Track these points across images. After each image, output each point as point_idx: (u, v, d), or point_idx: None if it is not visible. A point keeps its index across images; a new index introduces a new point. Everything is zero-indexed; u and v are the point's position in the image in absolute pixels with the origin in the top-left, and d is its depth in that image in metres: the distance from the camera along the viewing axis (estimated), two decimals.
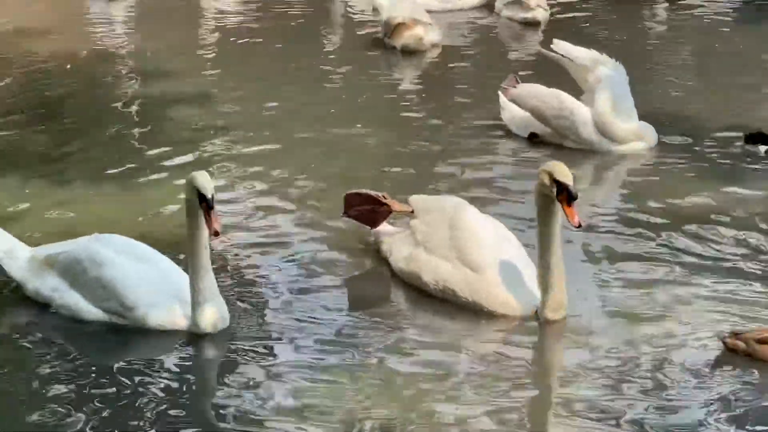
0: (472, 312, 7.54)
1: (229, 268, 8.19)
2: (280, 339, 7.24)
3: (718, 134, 11.17)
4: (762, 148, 10.51)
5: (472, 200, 8.42)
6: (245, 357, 7.01)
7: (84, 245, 7.55)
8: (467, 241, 7.66)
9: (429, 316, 7.68)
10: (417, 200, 8.22)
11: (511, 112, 11.14)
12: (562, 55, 10.78)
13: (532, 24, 16.60)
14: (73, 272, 7.43)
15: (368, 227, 8.38)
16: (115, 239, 7.62)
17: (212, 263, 7.25)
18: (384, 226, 8.32)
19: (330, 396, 6.54)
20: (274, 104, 12.30)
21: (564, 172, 7.06)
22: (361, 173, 10.10)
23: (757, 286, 7.84)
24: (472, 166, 10.41)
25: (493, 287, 7.45)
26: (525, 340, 7.29)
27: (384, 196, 8.28)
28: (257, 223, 9.09)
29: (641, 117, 10.82)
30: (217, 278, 7.29)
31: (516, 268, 7.50)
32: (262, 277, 8.13)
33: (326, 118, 11.85)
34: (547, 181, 7.10)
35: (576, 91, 10.91)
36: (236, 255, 8.42)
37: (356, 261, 8.38)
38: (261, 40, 15.59)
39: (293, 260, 8.36)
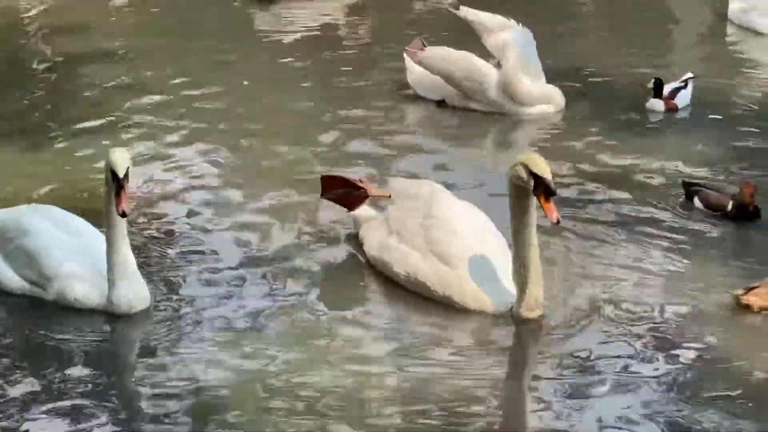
0: (445, 307, 7.02)
1: (156, 244, 7.66)
2: (203, 323, 6.77)
3: (624, 93, 11.01)
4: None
5: (387, 165, 8.18)
6: (163, 340, 6.56)
7: (15, 214, 7.21)
8: (441, 232, 7.11)
9: (399, 309, 7.16)
10: (395, 184, 7.65)
11: (417, 75, 10.73)
12: (468, 18, 10.53)
13: None
14: (1, 239, 7.08)
15: (346, 210, 7.80)
16: (51, 211, 7.27)
17: (141, 239, 6.93)
18: (363, 210, 7.70)
19: (260, 385, 6.13)
20: (193, 60, 11.75)
21: (542, 166, 6.53)
22: (283, 138, 9.69)
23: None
24: (385, 133, 10.01)
25: (466, 282, 6.93)
26: (498, 339, 6.82)
27: (360, 180, 7.72)
28: (188, 194, 8.55)
29: (550, 79, 10.60)
30: (143, 255, 6.90)
31: (492, 263, 6.98)
32: (196, 253, 7.60)
33: (243, 71, 11.47)
34: (523, 174, 6.55)
35: (484, 54, 10.62)
36: (164, 230, 7.87)
37: (320, 243, 7.84)
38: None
39: (233, 236, 7.86)
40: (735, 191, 8.15)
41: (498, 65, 10.39)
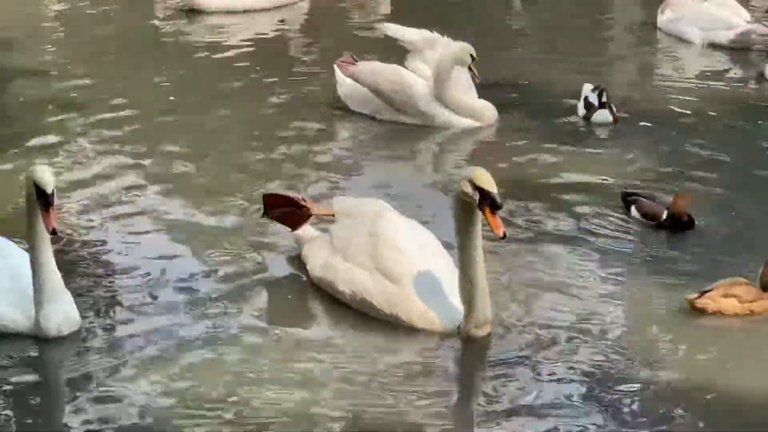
0: (392, 326, 6.81)
1: (85, 265, 7.36)
2: (137, 345, 6.49)
3: (558, 105, 10.97)
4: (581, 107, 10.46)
5: (323, 183, 7.99)
6: (94, 364, 6.27)
7: None
8: (386, 250, 6.90)
9: (345, 329, 6.92)
10: (339, 203, 7.43)
11: (348, 89, 10.62)
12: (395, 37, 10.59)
13: None
14: None
15: (289, 229, 7.56)
16: None
17: (68, 259, 6.67)
18: (306, 229, 7.46)
19: (200, 405, 5.89)
20: (119, 74, 11.51)
21: (487, 180, 6.39)
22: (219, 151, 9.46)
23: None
24: (321, 149, 9.84)
25: (413, 300, 6.74)
26: (446, 358, 6.63)
27: (303, 199, 7.48)
28: (118, 213, 8.27)
29: (483, 91, 10.55)
30: (72, 276, 6.64)
31: (438, 280, 6.80)
32: (128, 275, 7.32)
33: (176, 90, 11.17)
34: (468, 189, 6.39)
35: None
36: (95, 247, 7.59)
37: (263, 263, 7.58)
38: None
39: (169, 258, 7.57)
40: (670, 201, 8.14)
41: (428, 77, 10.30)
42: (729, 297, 6.92)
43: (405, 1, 15.96)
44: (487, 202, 6.35)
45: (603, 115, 10.24)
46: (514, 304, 7.02)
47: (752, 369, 6.44)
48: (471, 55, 10.05)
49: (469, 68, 10.13)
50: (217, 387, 6.10)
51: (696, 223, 8.09)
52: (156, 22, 14.27)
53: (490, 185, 6.36)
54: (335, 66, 10.69)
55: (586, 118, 10.31)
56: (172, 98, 11.05)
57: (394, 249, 6.87)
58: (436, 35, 10.52)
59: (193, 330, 6.68)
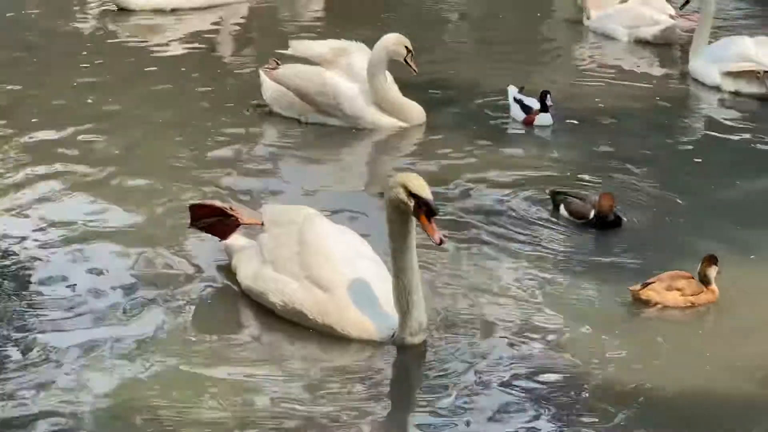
0: (325, 336, 6.61)
1: (8, 273, 7.12)
2: (67, 360, 6.24)
3: (487, 104, 10.90)
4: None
5: (251, 190, 7.81)
6: (25, 378, 6.04)
7: None
8: (317, 258, 6.70)
9: (277, 340, 6.72)
10: (268, 211, 7.19)
11: (273, 92, 10.42)
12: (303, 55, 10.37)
13: None
14: None
15: (218, 239, 7.32)
16: None
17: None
18: (235, 238, 7.23)
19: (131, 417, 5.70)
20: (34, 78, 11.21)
21: (422, 186, 6.24)
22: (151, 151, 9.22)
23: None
24: (249, 155, 9.59)
25: (346, 309, 6.54)
26: (381, 367, 6.44)
27: (231, 207, 7.24)
28: (43, 216, 8.03)
29: (411, 91, 10.39)
30: None
31: (371, 288, 6.62)
32: (58, 287, 7.05)
33: (100, 92, 10.90)
34: (403, 195, 6.21)
35: None
36: (23, 265, 7.31)
37: (192, 273, 7.32)
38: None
39: (97, 270, 7.30)
40: (596, 200, 8.13)
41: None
42: (672, 290, 6.99)
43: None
44: (423, 209, 6.20)
45: (545, 119, 10.12)
46: (449, 309, 6.88)
47: (693, 364, 6.39)
48: (407, 48, 9.85)
49: (406, 61, 9.93)
50: (147, 398, 5.92)
51: (623, 221, 8.07)
52: (78, 24, 13.90)
53: (426, 192, 6.21)
54: (261, 71, 10.48)
55: (527, 122, 10.15)
56: (90, 100, 10.75)
57: (324, 257, 6.68)
58: (344, 43, 10.30)
59: (121, 341, 6.46)
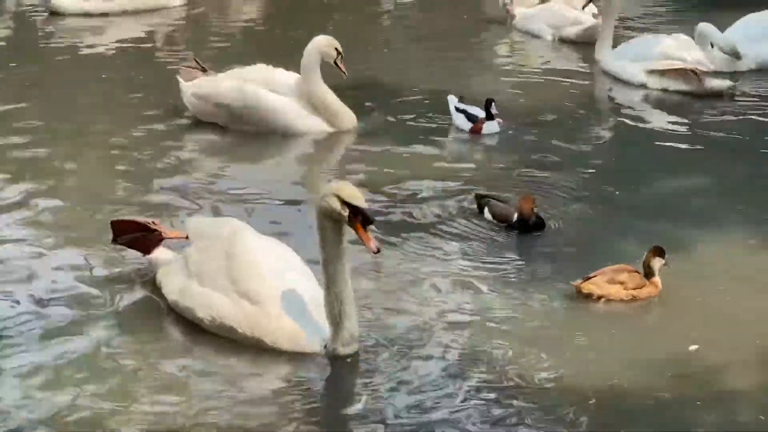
0: (255, 349, 6.40)
1: None
2: None
3: (416, 108, 10.82)
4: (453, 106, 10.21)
5: (174, 202, 7.64)
6: None
7: None
8: (245, 271, 6.49)
9: (206, 355, 6.47)
10: (193, 224, 6.97)
11: (194, 98, 10.21)
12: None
13: None
14: None
15: (141, 254, 7.08)
16: None
17: None
18: (159, 252, 7.00)
19: None
20: None
21: (356, 195, 6.09)
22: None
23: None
24: (171, 164, 9.33)
25: (276, 321, 6.34)
26: (314, 379, 6.26)
27: (154, 222, 7.03)
28: None
29: (345, 94, 10.30)
30: None
31: (301, 299, 6.43)
32: None
33: (21, 100, 10.65)
34: (336, 205, 6.04)
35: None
36: None
37: (117, 289, 7.06)
38: None
39: (20, 289, 7.02)
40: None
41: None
42: (614, 283, 6.96)
43: (273, 1, 15.64)
44: (359, 218, 6.04)
45: (492, 127, 9.96)
46: (381, 318, 6.72)
47: (634, 359, 6.34)
48: (337, 50, 9.68)
49: (335, 63, 9.77)
50: (72, 415, 5.70)
51: (546, 223, 8.00)
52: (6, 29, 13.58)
53: (361, 200, 6.06)
54: (177, 76, 10.23)
55: (475, 131, 9.97)
56: (7, 106, 10.42)
57: (252, 269, 6.47)
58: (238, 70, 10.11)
59: (43, 357, 6.24)
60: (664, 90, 11.54)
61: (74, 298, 6.90)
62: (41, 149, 9.55)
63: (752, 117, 10.82)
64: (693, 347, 6.41)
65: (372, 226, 6.15)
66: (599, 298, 6.95)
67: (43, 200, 8.47)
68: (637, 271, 7.06)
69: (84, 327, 6.56)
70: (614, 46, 12.28)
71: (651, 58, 11.68)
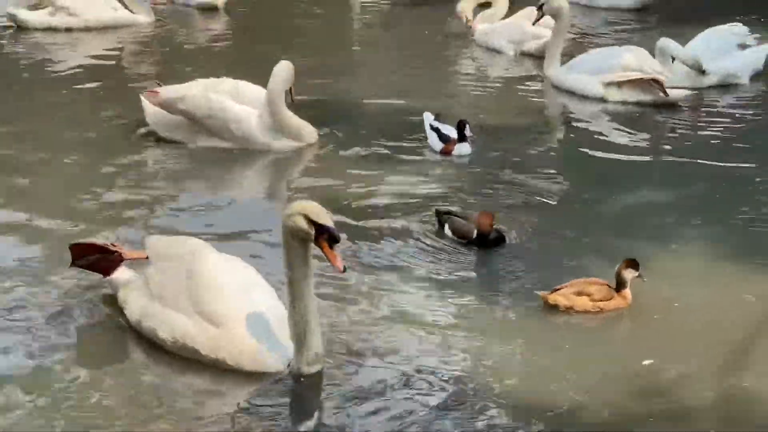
0: (219, 370, 6.34)
1: None
2: None
3: (378, 122, 10.79)
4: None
5: (135, 222, 7.56)
6: None
7: None
8: (206, 291, 6.44)
9: (168, 374, 6.41)
10: (153, 243, 6.87)
11: (156, 116, 10.09)
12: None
13: (209, 9, 15.56)
14: None
15: (101, 276, 7.00)
16: None
17: None
18: (120, 272, 6.92)
19: None
20: None
21: (322, 213, 6.06)
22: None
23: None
24: (134, 183, 9.20)
25: (239, 342, 6.28)
26: (278, 399, 6.19)
27: (112, 244, 6.95)
28: None
29: (305, 111, 10.20)
30: None
31: (264, 319, 6.38)
32: None
33: None
34: (303, 224, 6.00)
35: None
36: None
37: (79, 309, 6.96)
38: None
39: None
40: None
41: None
42: (582, 295, 6.97)
43: (239, 18, 15.55)
44: (325, 236, 6.01)
45: (463, 148, 9.84)
46: (344, 336, 6.67)
47: (591, 372, 6.35)
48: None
49: (290, 89, 9.80)
50: None
51: (507, 238, 7.99)
52: None
53: (327, 219, 6.04)
54: (141, 97, 10.11)
55: (445, 152, 9.86)
56: None
57: (213, 289, 6.42)
58: (208, 82, 10.01)
59: (6, 379, 6.15)
60: (623, 102, 11.58)
61: (32, 319, 6.80)
62: None
63: (712, 131, 10.86)
64: (647, 362, 6.43)
65: (337, 245, 6.11)
66: (566, 309, 6.96)
67: (1, 221, 8.35)
68: (607, 284, 7.07)
69: (42, 347, 6.48)
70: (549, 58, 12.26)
71: (608, 71, 11.69)
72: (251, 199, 9.24)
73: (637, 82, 11.59)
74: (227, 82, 9.98)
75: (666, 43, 11.94)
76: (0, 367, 6.26)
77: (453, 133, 9.92)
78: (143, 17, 14.54)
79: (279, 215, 6.12)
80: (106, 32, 14.26)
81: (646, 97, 11.58)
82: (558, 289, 7.00)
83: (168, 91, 9.96)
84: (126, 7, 14.58)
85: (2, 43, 13.57)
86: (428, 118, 10.18)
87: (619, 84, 11.61)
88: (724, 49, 12.31)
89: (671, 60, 11.97)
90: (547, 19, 12.63)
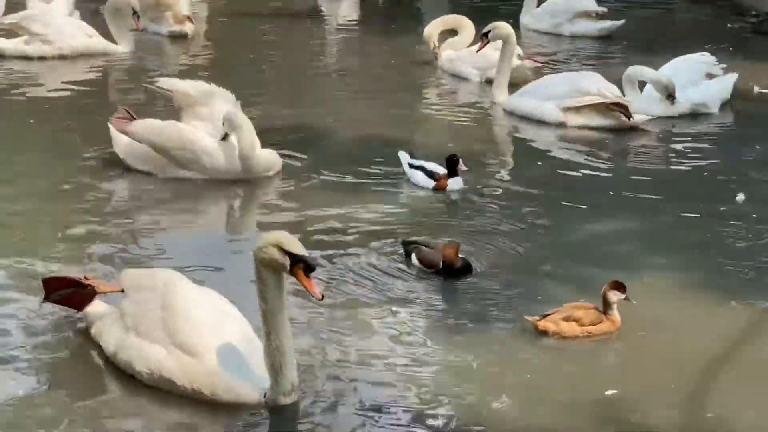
0: (194, 402, 6.30)
1: None
2: None
3: (345, 151, 10.82)
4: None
5: (108, 255, 7.55)
6: None
7: None
8: (180, 322, 6.41)
9: (143, 408, 6.36)
10: (127, 276, 6.85)
11: (125, 146, 10.02)
12: (167, 90, 10.09)
13: (179, 37, 15.53)
14: None
15: (75, 310, 6.93)
16: None
17: None
18: (95, 305, 6.86)
19: None
20: None
21: (295, 243, 6.06)
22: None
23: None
24: (104, 214, 9.09)
25: (215, 373, 6.27)
26: (254, 429, 6.17)
27: (85, 277, 6.91)
28: None
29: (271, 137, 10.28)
30: None
31: (239, 349, 6.36)
32: None
33: None
34: (277, 255, 6.00)
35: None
36: None
37: (53, 344, 6.87)
38: None
39: None
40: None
41: (224, 137, 9.77)
42: (570, 320, 6.98)
43: (209, 47, 15.46)
44: (300, 265, 5.99)
45: (456, 183, 9.68)
46: (318, 366, 6.65)
47: (555, 400, 6.36)
48: None
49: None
50: None
51: (473, 268, 7.98)
52: None
53: (301, 248, 6.03)
54: (109, 124, 10.03)
55: (440, 188, 9.65)
56: None
57: (189, 321, 6.39)
58: (212, 88, 10.00)
59: None
60: (583, 127, 11.64)
61: (5, 354, 6.70)
62: None
63: (682, 159, 10.87)
64: (610, 392, 6.43)
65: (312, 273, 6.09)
66: (555, 334, 6.97)
67: None
68: (595, 308, 7.08)
69: (17, 383, 6.40)
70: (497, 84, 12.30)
71: (565, 96, 11.73)
72: (222, 230, 9.24)
73: (595, 107, 11.65)
74: (214, 100, 9.90)
75: (636, 69, 11.96)
76: None
77: (438, 168, 9.75)
78: (121, 47, 14.46)
79: (250, 245, 6.08)
80: (78, 60, 14.19)
81: (606, 122, 11.65)
82: (547, 315, 7.01)
83: (140, 124, 9.90)
84: (107, 35, 14.50)
85: None
86: (404, 157, 9.98)
87: (577, 108, 11.67)
88: (693, 79, 12.35)
89: (638, 88, 11.99)
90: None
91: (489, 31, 12.49)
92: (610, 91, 11.67)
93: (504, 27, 12.41)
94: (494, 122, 12.12)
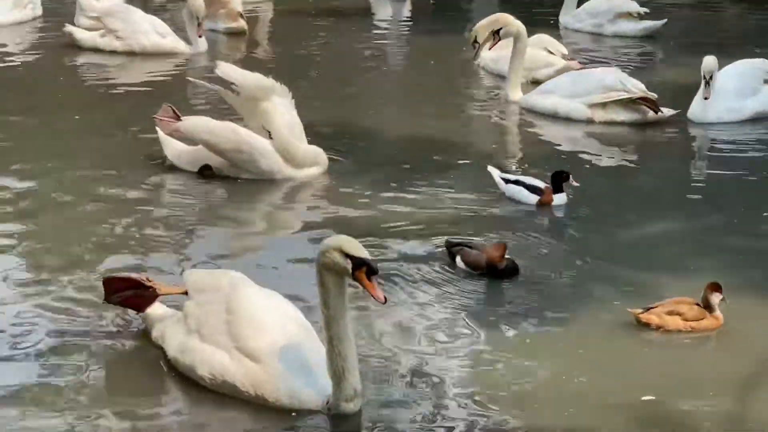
0: (257, 406, 6.17)
1: None
2: None
3: (387, 152, 10.66)
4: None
5: (168, 256, 7.44)
6: None
7: None
8: (245, 327, 6.29)
9: (206, 413, 6.24)
10: (191, 277, 6.73)
11: (175, 148, 9.86)
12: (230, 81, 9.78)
13: (236, 34, 15.60)
14: None
15: (135, 312, 6.86)
16: None
17: None
18: (155, 308, 6.75)
19: None
20: None
21: (357, 246, 5.93)
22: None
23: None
24: (151, 212, 8.95)
25: (278, 378, 6.14)
26: None
27: (148, 279, 6.79)
28: None
29: (318, 138, 10.09)
30: None
31: (303, 355, 6.24)
32: None
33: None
34: (339, 259, 5.86)
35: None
36: None
37: (113, 346, 6.77)
38: None
39: (15, 332, 6.78)
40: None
41: (269, 135, 9.67)
42: (673, 314, 7.01)
43: (265, 45, 15.48)
44: (363, 269, 5.86)
45: (561, 198, 9.30)
46: (378, 371, 6.51)
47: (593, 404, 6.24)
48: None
49: None
50: None
51: (520, 269, 7.83)
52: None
53: (363, 252, 5.91)
54: (158, 129, 9.84)
55: (545, 203, 9.24)
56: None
57: (252, 325, 6.27)
58: (270, 83, 9.71)
59: (36, 414, 5.99)
60: (610, 123, 11.51)
61: (64, 356, 6.62)
62: (28, 194, 9.25)
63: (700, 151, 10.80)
64: (647, 397, 6.30)
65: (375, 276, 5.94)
66: (657, 327, 7.00)
67: (28, 253, 8.08)
68: (697, 303, 7.11)
69: (75, 385, 6.31)
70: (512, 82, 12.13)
71: (591, 93, 11.60)
72: (278, 229, 9.10)
73: (620, 102, 11.49)
74: (273, 96, 9.66)
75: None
76: (33, 403, 6.09)
77: (536, 181, 9.40)
78: (189, 48, 14.44)
79: (308, 246, 5.94)
80: (150, 58, 14.21)
81: (631, 116, 11.50)
82: (650, 308, 7.04)
83: (191, 122, 9.74)
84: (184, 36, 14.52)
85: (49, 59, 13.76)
86: (495, 172, 9.57)
87: (603, 105, 11.52)
88: (755, 85, 12.04)
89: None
90: (560, 47, 12.50)
91: (500, 29, 12.34)
92: (635, 86, 11.55)
93: (514, 24, 12.23)
94: (538, 126, 11.82)
